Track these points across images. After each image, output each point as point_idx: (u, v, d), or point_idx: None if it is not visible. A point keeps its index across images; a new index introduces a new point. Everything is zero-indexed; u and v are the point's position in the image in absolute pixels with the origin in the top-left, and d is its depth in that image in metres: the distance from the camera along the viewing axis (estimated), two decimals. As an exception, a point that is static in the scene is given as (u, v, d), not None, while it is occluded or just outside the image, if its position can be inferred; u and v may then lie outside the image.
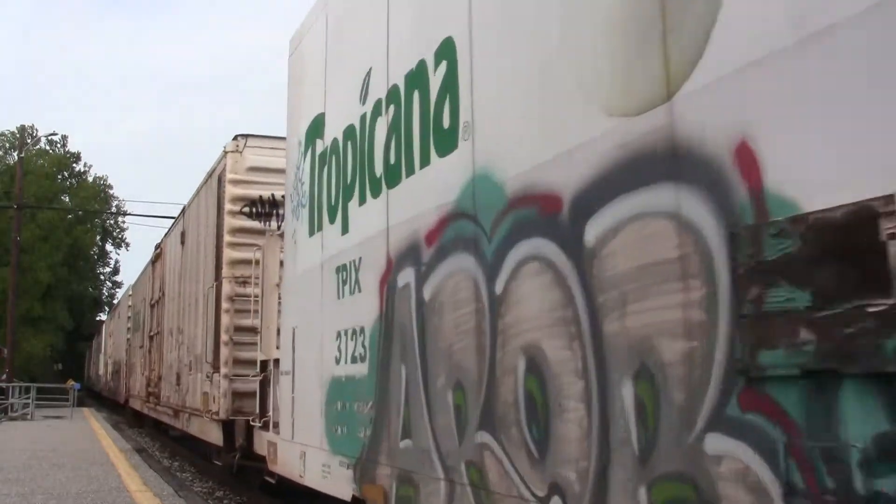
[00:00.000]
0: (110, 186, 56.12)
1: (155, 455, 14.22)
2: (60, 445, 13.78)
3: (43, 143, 50.27)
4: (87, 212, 50.24)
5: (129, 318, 22.73)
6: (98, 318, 52.93)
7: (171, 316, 13.99)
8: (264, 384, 7.47)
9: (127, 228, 58.73)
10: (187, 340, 11.87)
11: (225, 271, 9.26)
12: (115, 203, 55.34)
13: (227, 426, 9.24)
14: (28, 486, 8.55)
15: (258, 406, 7.66)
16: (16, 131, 49.30)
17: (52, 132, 56.23)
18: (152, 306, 16.49)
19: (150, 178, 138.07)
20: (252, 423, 7.86)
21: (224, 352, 9.07)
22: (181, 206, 13.99)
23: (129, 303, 22.85)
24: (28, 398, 24.00)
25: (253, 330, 8.10)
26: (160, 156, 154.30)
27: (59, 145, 53.41)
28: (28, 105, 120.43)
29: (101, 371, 36.55)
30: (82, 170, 54.35)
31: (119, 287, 55.28)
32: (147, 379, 16.61)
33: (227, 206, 9.37)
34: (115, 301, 45.17)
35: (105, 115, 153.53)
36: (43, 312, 45.18)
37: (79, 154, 54.34)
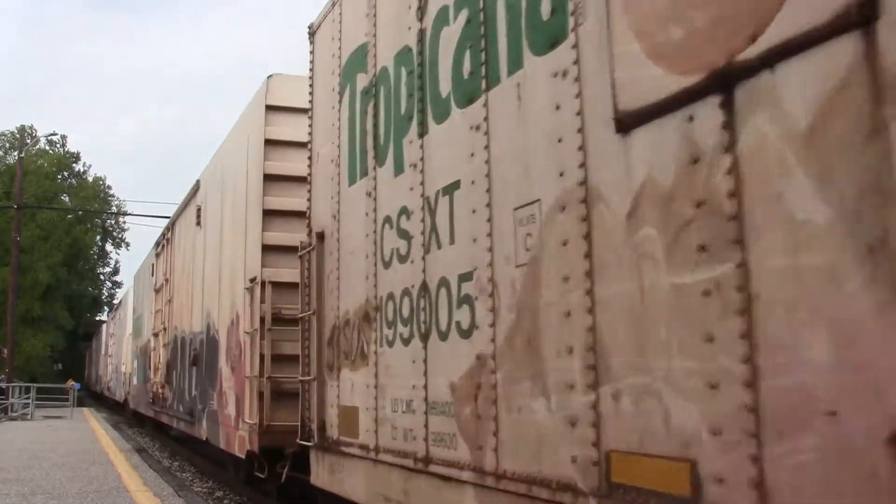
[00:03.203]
0: (109, 187, 56.15)
1: (155, 455, 14.20)
2: (60, 445, 13.77)
3: (42, 143, 50.26)
4: (87, 212, 50.18)
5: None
6: (98, 318, 52.85)
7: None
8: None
9: (127, 229, 58.73)
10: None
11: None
12: (114, 203, 55.37)
13: None
14: (28, 486, 8.55)
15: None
16: (15, 131, 49.32)
17: (51, 132, 56.23)
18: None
19: (149, 178, 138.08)
20: None
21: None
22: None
23: (321, 146, 5.40)
24: (28, 398, 24.00)
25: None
26: (159, 156, 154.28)
27: (58, 145, 53.43)
28: (26, 105, 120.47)
29: (127, 367, 19.40)
30: (82, 170, 54.39)
31: (119, 287, 55.28)
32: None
33: None
34: (116, 301, 44.62)
35: (104, 115, 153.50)
36: (43, 312, 45.15)
37: (78, 154, 54.35)
